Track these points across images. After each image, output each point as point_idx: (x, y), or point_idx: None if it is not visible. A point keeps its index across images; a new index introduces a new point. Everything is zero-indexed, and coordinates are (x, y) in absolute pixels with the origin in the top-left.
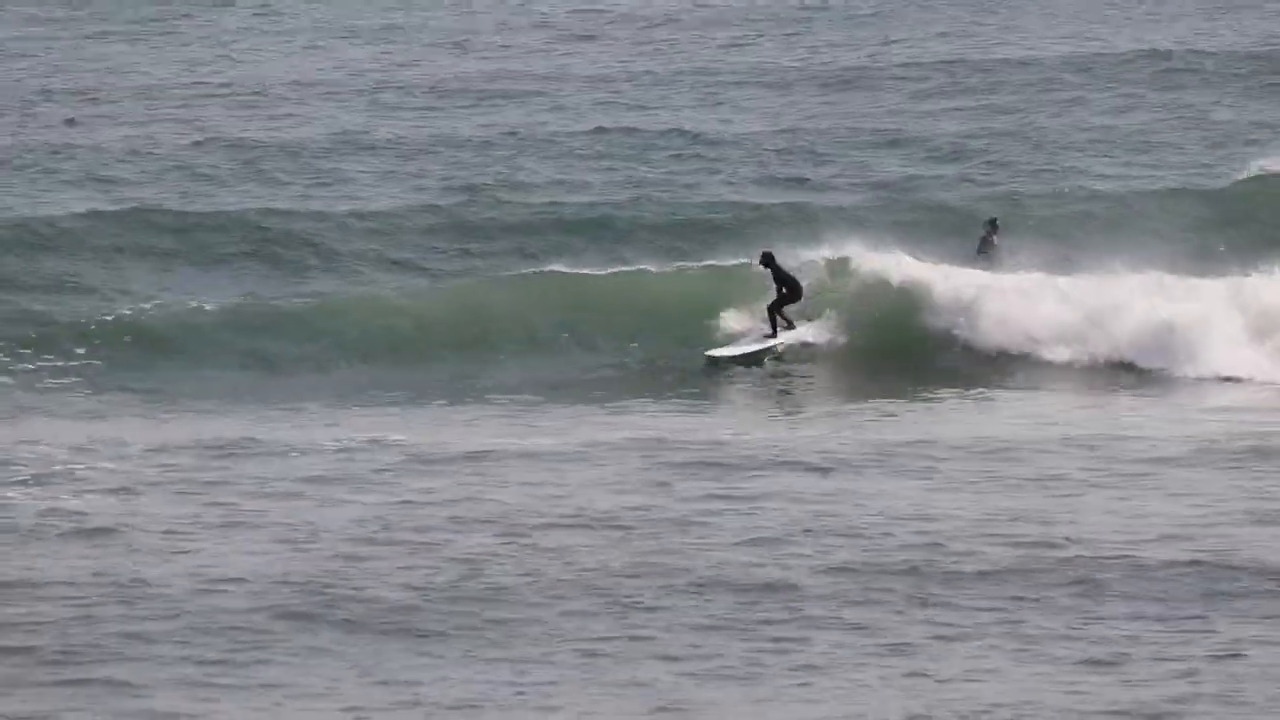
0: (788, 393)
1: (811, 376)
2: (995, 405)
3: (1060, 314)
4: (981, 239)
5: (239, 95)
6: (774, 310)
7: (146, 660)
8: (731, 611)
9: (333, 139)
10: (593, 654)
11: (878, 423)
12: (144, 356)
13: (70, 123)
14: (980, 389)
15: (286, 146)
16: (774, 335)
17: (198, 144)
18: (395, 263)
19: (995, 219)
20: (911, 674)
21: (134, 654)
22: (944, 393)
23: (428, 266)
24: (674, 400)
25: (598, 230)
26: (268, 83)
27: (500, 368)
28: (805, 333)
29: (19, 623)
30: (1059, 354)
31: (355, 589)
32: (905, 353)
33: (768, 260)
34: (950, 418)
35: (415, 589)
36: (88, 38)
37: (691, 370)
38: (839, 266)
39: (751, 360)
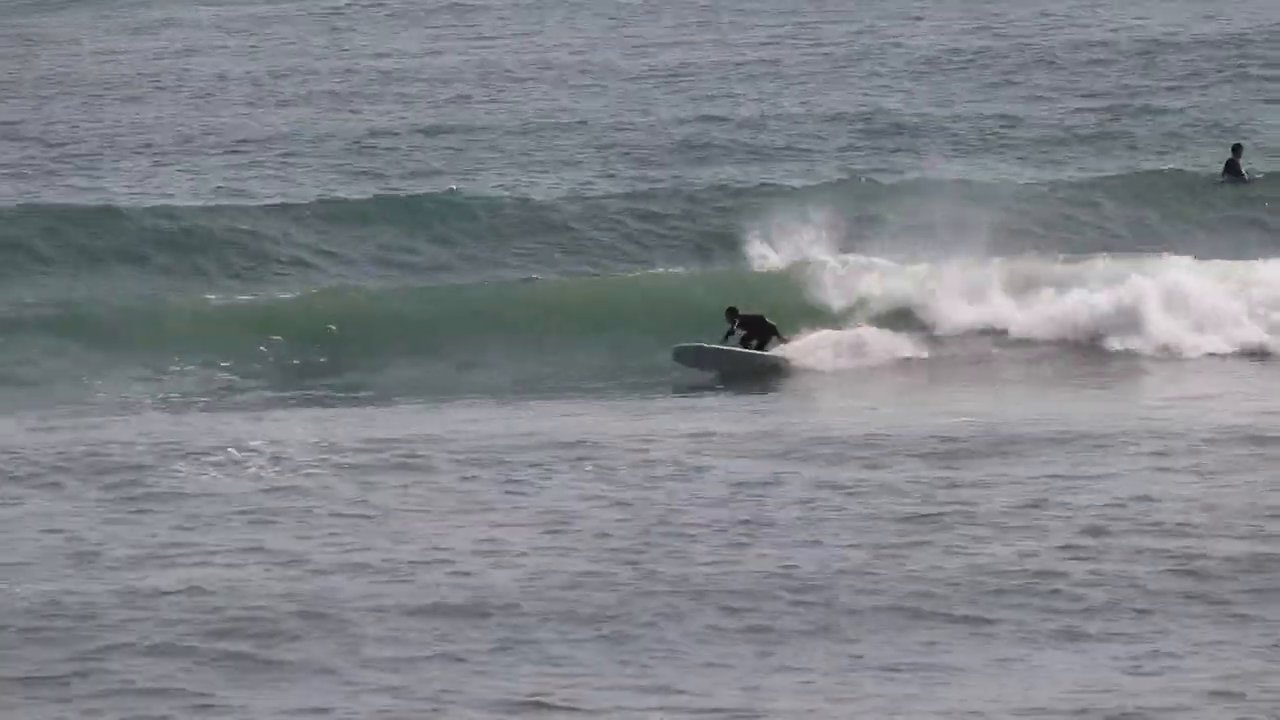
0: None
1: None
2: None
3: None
4: (1227, 163)
5: (468, 77)
6: (760, 347)
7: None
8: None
9: (534, 121)
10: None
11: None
12: (338, 342)
13: None
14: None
15: (489, 129)
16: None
17: (422, 129)
18: (570, 251)
19: (1239, 144)
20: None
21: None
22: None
23: (621, 252)
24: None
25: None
26: (496, 64)
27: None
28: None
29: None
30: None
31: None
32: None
33: (733, 316)
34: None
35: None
36: (332, 27)
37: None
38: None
39: (734, 361)
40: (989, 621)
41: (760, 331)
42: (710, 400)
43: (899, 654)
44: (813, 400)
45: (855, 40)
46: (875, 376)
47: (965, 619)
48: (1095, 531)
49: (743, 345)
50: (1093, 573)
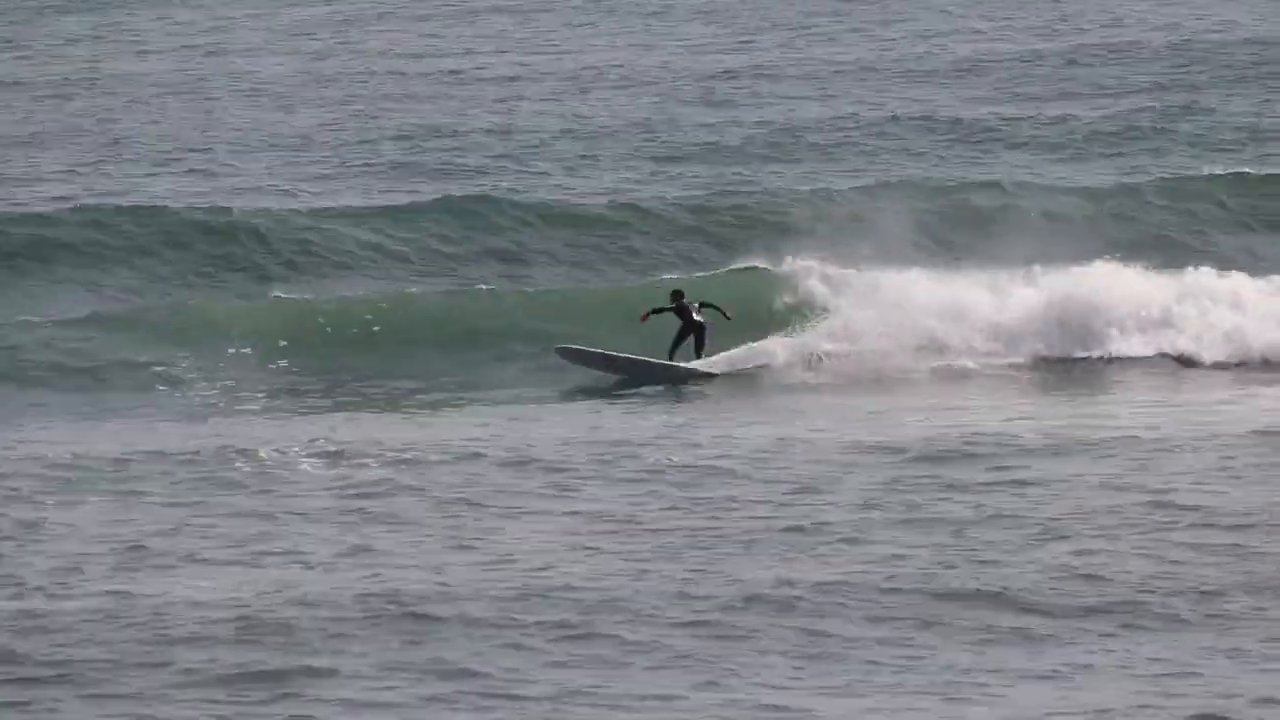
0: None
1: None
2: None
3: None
4: None
5: (553, 80)
6: (677, 340)
7: None
8: None
9: (591, 123)
10: None
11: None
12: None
13: None
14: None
15: (545, 131)
16: (670, 358)
17: (479, 130)
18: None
19: None
20: None
21: None
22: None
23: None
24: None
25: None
26: (552, 66)
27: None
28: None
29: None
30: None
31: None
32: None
33: (676, 299)
34: None
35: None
36: (392, 29)
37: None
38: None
39: (615, 366)
40: (1049, 620)
41: (689, 327)
42: (765, 403)
43: (961, 657)
44: (865, 405)
45: (917, 41)
46: (921, 381)
47: (1027, 621)
48: (1154, 531)
49: (679, 335)
50: (1159, 572)
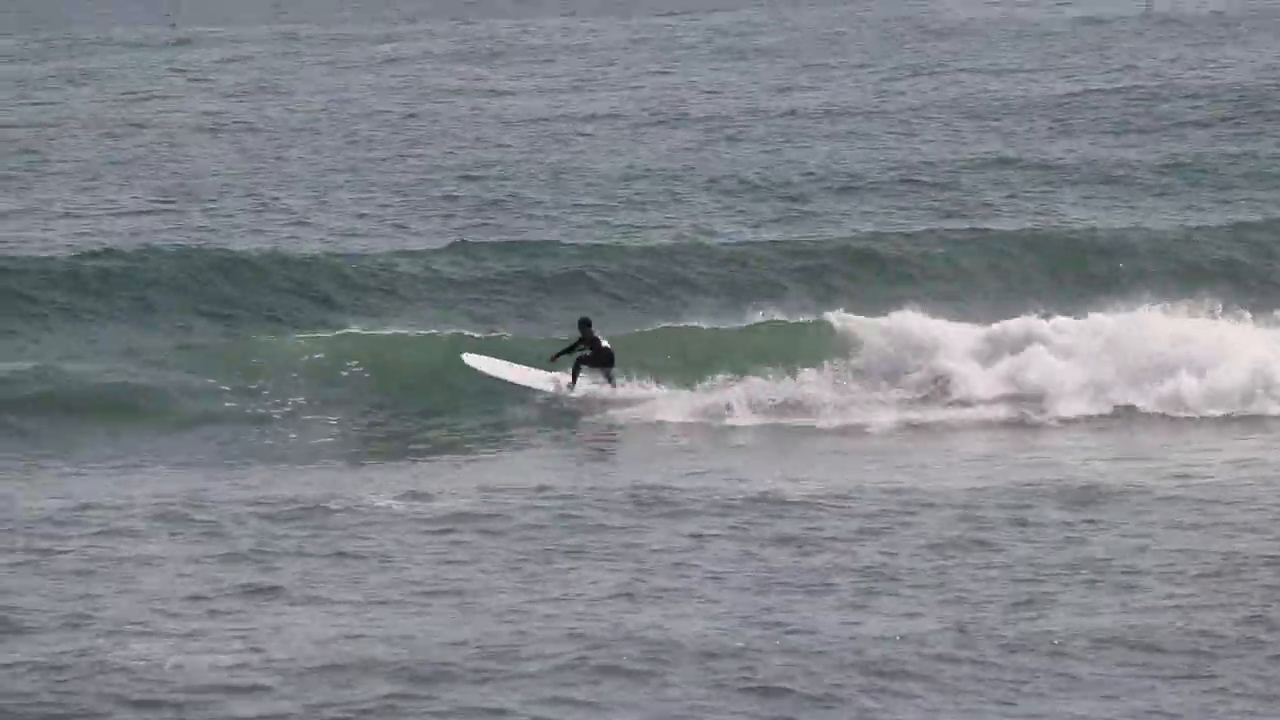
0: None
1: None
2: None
3: None
4: None
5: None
6: (579, 364)
7: None
8: None
9: (656, 167)
10: None
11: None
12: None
13: None
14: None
15: (609, 174)
16: (573, 385)
17: (546, 173)
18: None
19: None
20: None
21: None
22: None
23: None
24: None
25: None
26: (620, 109)
27: None
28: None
29: None
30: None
31: None
32: None
33: (584, 328)
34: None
35: None
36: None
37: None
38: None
39: (512, 383)
40: (1130, 662)
41: (598, 355)
42: (813, 446)
43: (1039, 700)
44: (925, 450)
45: (987, 84)
46: (979, 429)
47: (1106, 661)
48: (1231, 574)
49: (588, 363)
50: (1237, 613)
